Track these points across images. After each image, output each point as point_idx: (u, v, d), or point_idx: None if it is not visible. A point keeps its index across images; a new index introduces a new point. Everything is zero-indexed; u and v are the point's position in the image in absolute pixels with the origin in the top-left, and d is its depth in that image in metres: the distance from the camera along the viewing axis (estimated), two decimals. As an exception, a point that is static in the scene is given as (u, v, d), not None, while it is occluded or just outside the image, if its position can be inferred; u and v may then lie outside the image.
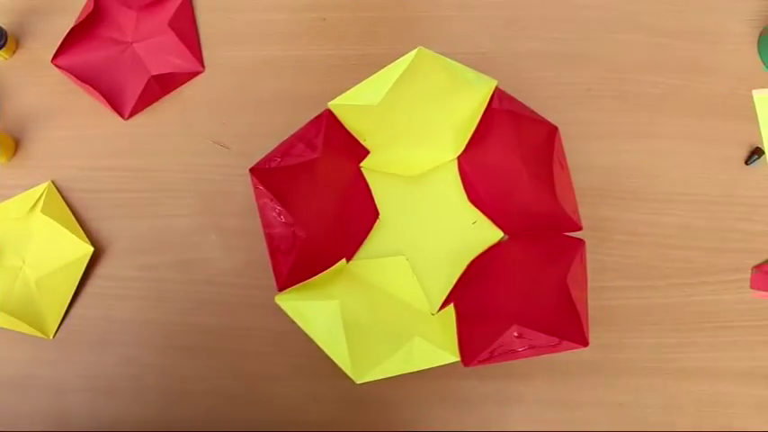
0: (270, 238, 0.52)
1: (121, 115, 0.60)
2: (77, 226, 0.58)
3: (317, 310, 0.51)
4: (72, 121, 0.61)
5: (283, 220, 0.52)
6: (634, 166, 0.58)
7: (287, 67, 0.61)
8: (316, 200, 0.55)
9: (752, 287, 0.56)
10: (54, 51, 0.59)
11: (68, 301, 0.57)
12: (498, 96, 0.53)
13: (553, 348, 0.49)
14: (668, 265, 0.57)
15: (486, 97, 0.53)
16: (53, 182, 0.59)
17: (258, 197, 0.52)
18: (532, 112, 0.54)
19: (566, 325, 0.50)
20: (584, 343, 0.49)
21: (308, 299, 0.52)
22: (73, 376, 0.57)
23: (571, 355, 0.55)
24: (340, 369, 0.48)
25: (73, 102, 0.61)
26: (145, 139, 0.60)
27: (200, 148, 0.60)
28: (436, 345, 0.51)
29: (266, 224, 0.52)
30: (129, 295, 0.58)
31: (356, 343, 0.51)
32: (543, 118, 0.53)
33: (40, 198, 0.58)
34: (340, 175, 0.57)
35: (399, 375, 0.49)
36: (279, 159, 0.52)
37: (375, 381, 0.49)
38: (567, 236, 0.55)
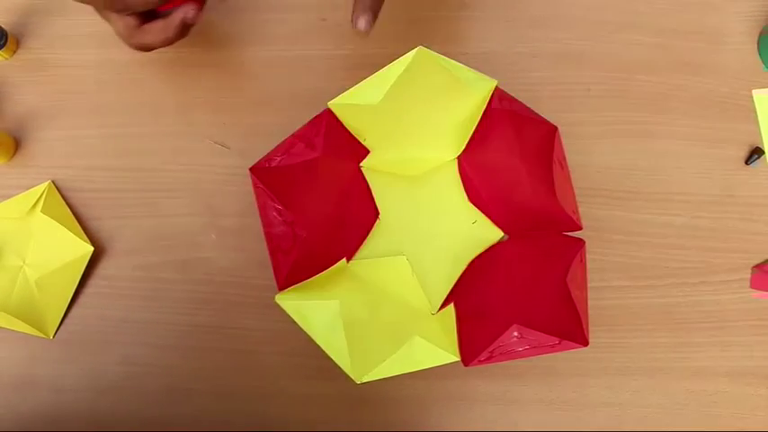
0: (270, 238, 0.52)
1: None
2: (77, 225, 0.58)
3: (317, 310, 0.51)
4: (72, 121, 0.61)
5: (283, 220, 0.52)
6: (634, 166, 0.58)
7: (287, 67, 0.61)
8: (316, 199, 0.55)
9: (752, 287, 0.56)
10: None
11: (68, 300, 0.57)
12: (498, 96, 0.53)
13: (553, 348, 0.49)
14: (668, 264, 0.57)
15: (486, 97, 0.53)
16: (53, 182, 0.59)
17: (258, 196, 0.52)
18: (532, 111, 0.54)
19: (566, 324, 0.50)
20: (585, 343, 0.49)
21: (309, 298, 0.52)
22: (73, 376, 0.57)
23: (571, 355, 0.55)
24: (340, 369, 0.48)
25: (73, 102, 0.61)
26: (145, 139, 0.60)
27: (200, 148, 0.60)
28: (436, 344, 0.51)
29: (266, 223, 0.52)
30: (129, 295, 0.58)
31: (356, 343, 0.51)
32: (543, 118, 0.53)
33: (40, 198, 0.58)
34: (340, 174, 0.57)
35: (400, 375, 0.49)
36: (279, 159, 0.52)
37: (376, 380, 0.49)
38: (567, 235, 0.55)
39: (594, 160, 0.59)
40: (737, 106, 0.59)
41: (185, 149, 0.60)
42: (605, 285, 0.57)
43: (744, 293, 0.56)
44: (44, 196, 0.58)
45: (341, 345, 0.50)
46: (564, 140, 0.53)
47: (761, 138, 0.58)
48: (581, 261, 0.53)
